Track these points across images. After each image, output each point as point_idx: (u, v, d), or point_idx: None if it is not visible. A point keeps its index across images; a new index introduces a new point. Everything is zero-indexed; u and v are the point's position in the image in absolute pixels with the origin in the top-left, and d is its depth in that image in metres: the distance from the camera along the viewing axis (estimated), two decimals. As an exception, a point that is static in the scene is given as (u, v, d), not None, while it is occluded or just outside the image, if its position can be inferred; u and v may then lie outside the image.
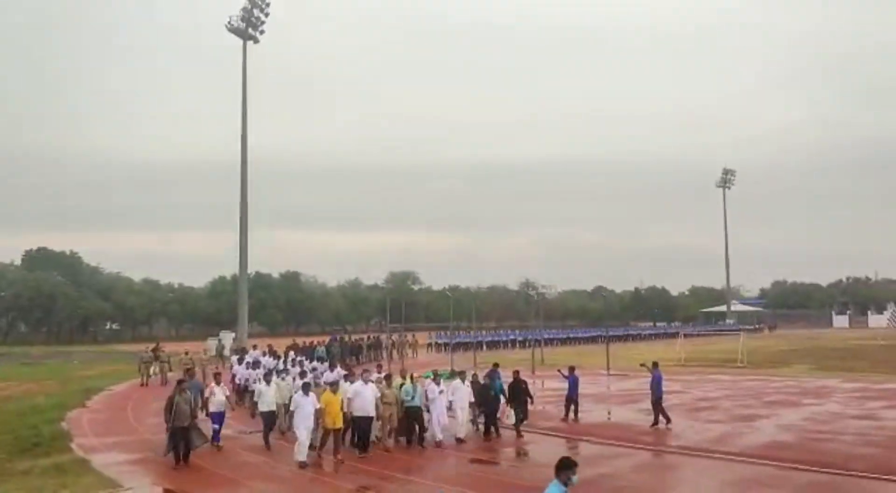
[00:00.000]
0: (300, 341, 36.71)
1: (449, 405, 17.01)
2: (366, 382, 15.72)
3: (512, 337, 60.48)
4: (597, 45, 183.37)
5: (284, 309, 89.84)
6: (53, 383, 32.08)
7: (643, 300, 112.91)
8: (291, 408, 14.78)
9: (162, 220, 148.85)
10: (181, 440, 14.18)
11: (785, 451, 15.51)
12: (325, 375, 20.82)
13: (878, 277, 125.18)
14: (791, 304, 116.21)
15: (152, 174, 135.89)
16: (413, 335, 50.74)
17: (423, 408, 16.47)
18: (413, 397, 16.19)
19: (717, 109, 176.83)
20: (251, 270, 71.84)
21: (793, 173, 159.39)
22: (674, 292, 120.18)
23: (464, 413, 17.12)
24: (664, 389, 19.34)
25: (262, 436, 16.42)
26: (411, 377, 16.98)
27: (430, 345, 53.01)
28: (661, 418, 18.72)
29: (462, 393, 17.15)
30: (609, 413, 21.62)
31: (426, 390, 16.71)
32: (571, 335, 65.87)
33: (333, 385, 15.54)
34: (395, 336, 46.16)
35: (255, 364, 23.30)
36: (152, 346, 34.96)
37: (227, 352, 41.54)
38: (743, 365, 37.31)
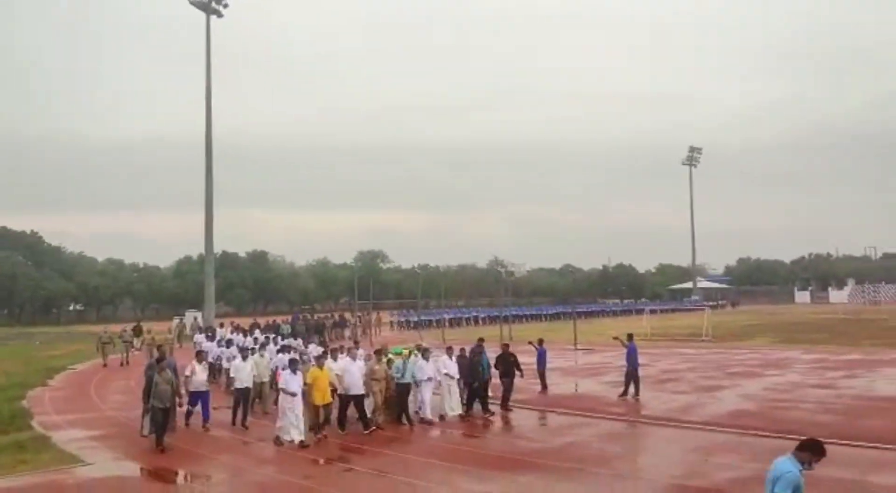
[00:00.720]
0: (262, 320, 36.43)
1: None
2: (354, 358, 15.39)
3: (477, 314, 60.77)
4: (569, 25, 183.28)
5: (252, 289, 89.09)
6: (15, 363, 31.50)
7: (611, 278, 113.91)
8: (280, 386, 14.17)
9: (125, 200, 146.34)
10: (162, 422, 13.41)
11: (747, 419, 15.80)
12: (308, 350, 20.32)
13: (839, 253, 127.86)
14: (755, 280, 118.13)
15: (115, 154, 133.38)
16: (377, 313, 50.65)
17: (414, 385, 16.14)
18: (403, 374, 15.87)
19: (686, 88, 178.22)
20: (218, 249, 71.01)
21: (758, 152, 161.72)
22: (641, 270, 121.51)
23: (453, 390, 16.78)
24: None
25: (231, 412, 15.98)
26: (408, 353, 16.66)
27: (392, 323, 52.33)
28: (630, 389, 18.92)
29: (451, 370, 16.81)
30: (576, 386, 21.84)
31: (415, 367, 16.22)
32: (539, 312, 66.33)
33: (319, 359, 15.11)
34: (359, 314, 45.96)
35: (228, 343, 22.97)
36: (132, 326, 34.23)
37: (188, 331, 41.06)
38: (707, 339, 37.91)
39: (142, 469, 12.65)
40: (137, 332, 32.87)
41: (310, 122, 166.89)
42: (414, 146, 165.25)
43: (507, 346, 18.22)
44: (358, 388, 14.92)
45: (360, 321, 44.87)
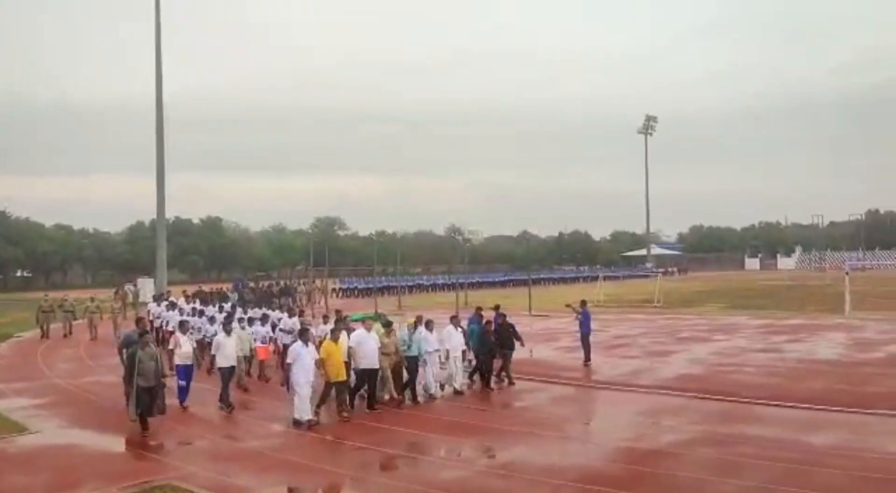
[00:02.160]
0: (207, 287, 35.91)
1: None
2: (368, 330, 14.16)
3: (434, 281, 60.94)
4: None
5: (206, 255, 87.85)
6: (-43, 331, 30.62)
7: (566, 245, 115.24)
8: (289, 360, 12.80)
9: (74, 163, 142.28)
10: (148, 403, 12.12)
11: (694, 383, 16.24)
12: (282, 321, 18.79)
13: (788, 221, 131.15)
14: (707, 248, 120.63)
15: (63, 116, 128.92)
16: (322, 281, 50.13)
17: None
18: (410, 346, 14.87)
19: (643, 55, 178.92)
20: (171, 215, 69.55)
21: (713, 120, 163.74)
22: (596, 237, 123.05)
23: (458, 363, 15.79)
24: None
25: (220, 395, 14.24)
26: (414, 324, 15.35)
27: (334, 290, 49.59)
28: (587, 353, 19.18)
29: (456, 341, 15.75)
30: (531, 351, 22.10)
31: (421, 339, 15.04)
32: (496, 279, 66.82)
33: (334, 333, 13.61)
34: (304, 281, 45.06)
35: (200, 313, 21.28)
36: (60, 296, 32.34)
37: (142, 298, 40.30)
38: (659, 305, 38.68)
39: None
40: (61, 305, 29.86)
41: (266, 84, 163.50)
42: (371, 110, 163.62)
43: (504, 315, 17.27)
44: (374, 362, 13.78)
45: (306, 289, 44.11)
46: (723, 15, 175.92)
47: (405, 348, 14.76)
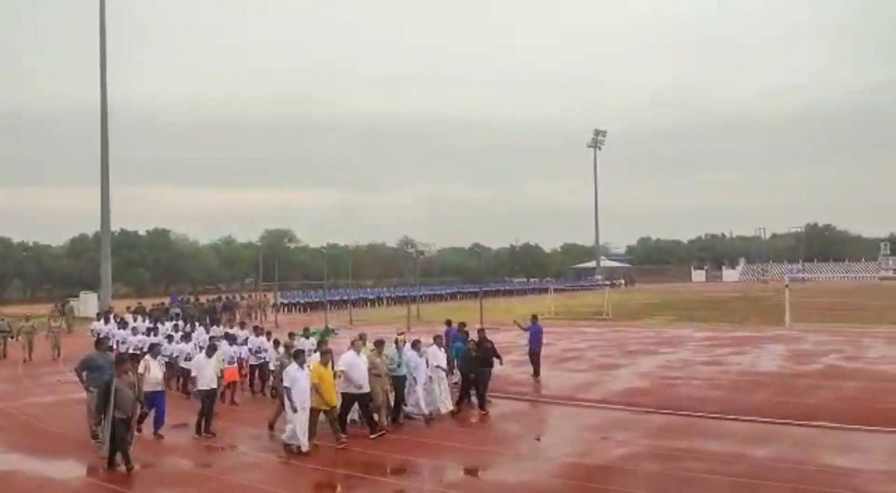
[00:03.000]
0: (147, 303, 35.13)
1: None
2: (358, 351, 13.38)
3: (379, 294, 60.85)
4: (481, 4, 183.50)
5: (153, 268, 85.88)
6: None
7: (518, 257, 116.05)
8: (286, 384, 12.00)
9: (13, 174, 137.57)
10: (125, 437, 11.08)
11: (641, 397, 16.49)
12: (248, 341, 17.92)
13: (733, 234, 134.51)
14: (654, 260, 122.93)
15: (1, 125, 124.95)
16: (264, 295, 49.21)
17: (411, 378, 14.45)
18: (399, 365, 14.21)
19: (591, 70, 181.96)
20: (116, 227, 67.86)
21: (659, 136, 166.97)
22: (547, 249, 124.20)
23: (444, 384, 15.10)
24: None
25: (196, 421, 13.43)
26: (395, 342, 14.83)
27: (274, 306, 46.31)
28: (533, 368, 19.34)
29: (440, 360, 15.08)
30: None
31: (408, 358, 14.48)
32: (447, 291, 66.95)
33: (324, 355, 12.66)
34: (246, 296, 43.89)
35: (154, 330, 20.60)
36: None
37: (83, 314, 39.11)
38: (608, 318, 39.21)
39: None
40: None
41: (214, 95, 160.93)
42: (323, 122, 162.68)
43: (482, 331, 16.74)
44: (365, 385, 12.95)
45: (247, 304, 43.10)
46: (664, 35, 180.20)
47: (394, 366, 14.11)
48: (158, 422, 13.38)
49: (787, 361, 21.79)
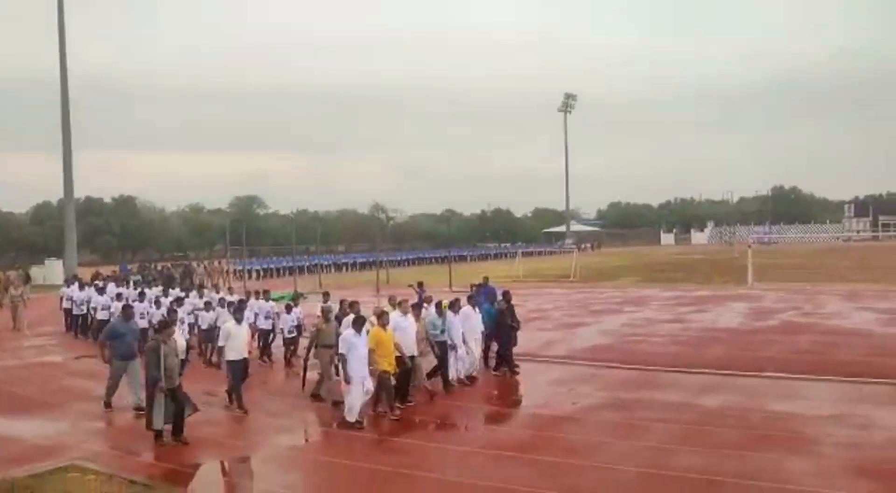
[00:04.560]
0: (105, 270, 34.74)
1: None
2: (405, 313, 12.63)
3: (350, 260, 61.13)
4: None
5: (119, 236, 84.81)
6: None
7: (489, 222, 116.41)
8: (342, 350, 11.11)
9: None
10: (174, 407, 10.31)
11: (603, 353, 16.92)
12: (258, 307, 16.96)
13: (702, 197, 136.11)
14: (625, 224, 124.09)
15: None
16: (219, 262, 48.41)
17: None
18: (443, 331, 13.39)
19: (565, 34, 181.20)
20: (81, 194, 66.82)
21: (631, 101, 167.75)
22: (518, 214, 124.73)
23: (477, 346, 14.33)
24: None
25: (228, 395, 12.26)
26: (438, 305, 13.90)
27: (227, 272, 44.70)
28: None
29: (474, 322, 14.26)
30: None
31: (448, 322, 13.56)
32: (418, 256, 67.25)
33: (381, 318, 11.73)
34: (205, 263, 43.32)
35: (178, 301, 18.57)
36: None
37: (47, 281, 38.60)
38: (575, 280, 39.72)
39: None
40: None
41: (182, 59, 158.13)
42: (292, 87, 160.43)
43: (508, 293, 16.03)
44: (412, 350, 12.29)
45: (207, 270, 42.67)
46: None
47: (437, 332, 13.30)
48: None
49: (746, 318, 22.37)
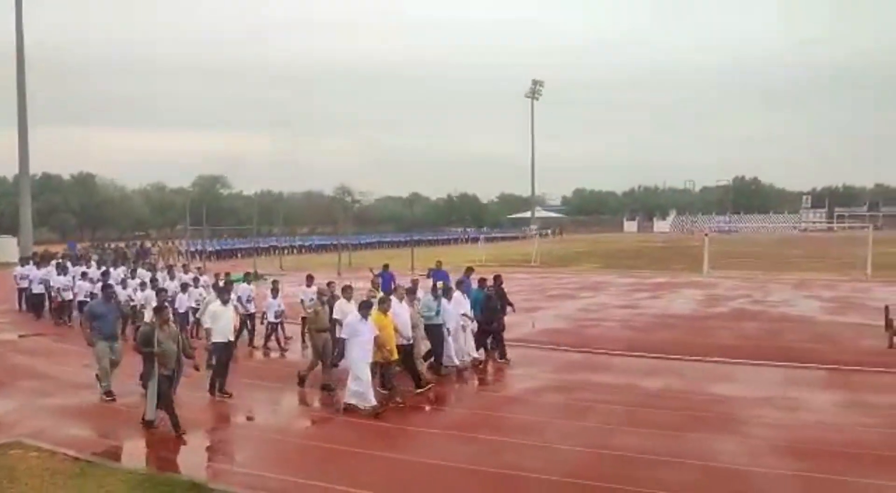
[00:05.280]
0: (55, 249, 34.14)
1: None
2: (400, 299, 12.37)
3: (311, 242, 61.08)
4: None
5: (78, 214, 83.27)
6: None
7: (455, 207, 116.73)
8: (345, 335, 10.82)
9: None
10: (167, 394, 9.83)
11: (556, 336, 17.24)
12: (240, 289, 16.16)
13: (666, 185, 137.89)
14: (589, 211, 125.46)
15: None
16: (173, 242, 47.75)
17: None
18: (438, 313, 13.06)
19: (534, 21, 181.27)
20: (38, 171, 65.40)
21: (597, 88, 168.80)
22: (484, 199, 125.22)
23: (468, 333, 13.96)
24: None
25: (209, 378, 11.70)
26: (434, 289, 13.70)
27: (181, 253, 44.61)
28: None
29: (466, 307, 13.92)
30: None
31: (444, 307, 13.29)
32: (382, 240, 67.22)
33: (382, 303, 11.47)
34: (159, 243, 42.77)
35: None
36: None
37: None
38: (536, 265, 40.15)
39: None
40: None
41: (146, 36, 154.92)
42: (257, 66, 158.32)
43: (499, 277, 15.61)
44: (409, 335, 12.03)
45: (161, 250, 42.11)
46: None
47: (431, 314, 12.98)
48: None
49: (699, 304, 22.94)
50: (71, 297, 19.91)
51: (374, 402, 10.47)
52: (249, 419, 10.89)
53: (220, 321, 11.68)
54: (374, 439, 9.58)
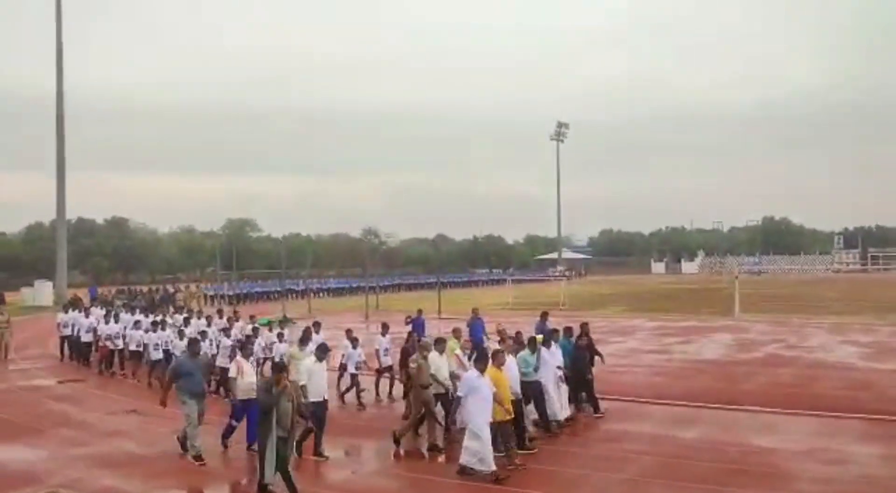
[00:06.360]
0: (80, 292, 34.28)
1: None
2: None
3: (341, 284, 60.84)
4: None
5: (111, 257, 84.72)
6: None
7: (481, 247, 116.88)
8: (461, 392, 10.03)
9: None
10: (285, 457, 9.22)
11: (586, 383, 16.96)
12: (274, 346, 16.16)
13: (693, 226, 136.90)
14: (616, 251, 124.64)
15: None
16: (191, 286, 47.92)
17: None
18: (536, 369, 12.09)
19: (560, 62, 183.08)
20: (73, 215, 66.92)
21: (619, 128, 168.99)
22: (510, 240, 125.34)
23: (563, 386, 12.98)
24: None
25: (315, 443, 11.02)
26: (531, 341, 12.49)
27: (205, 297, 44.68)
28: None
29: (559, 359, 12.93)
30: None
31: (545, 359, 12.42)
32: (409, 281, 67.33)
33: (497, 356, 10.63)
34: (181, 287, 42.67)
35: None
36: None
37: (36, 302, 38.29)
38: (564, 308, 39.85)
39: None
40: None
41: (175, 81, 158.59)
42: (284, 110, 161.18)
43: (586, 325, 14.73)
44: (516, 392, 11.22)
45: (182, 296, 41.79)
46: (620, 28, 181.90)
47: (530, 370, 11.95)
48: (252, 435, 10.66)
49: (730, 349, 22.56)
50: (121, 346, 19.21)
51: (493, 466, 9.75)
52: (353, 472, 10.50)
53: (316, 379, 11.07)
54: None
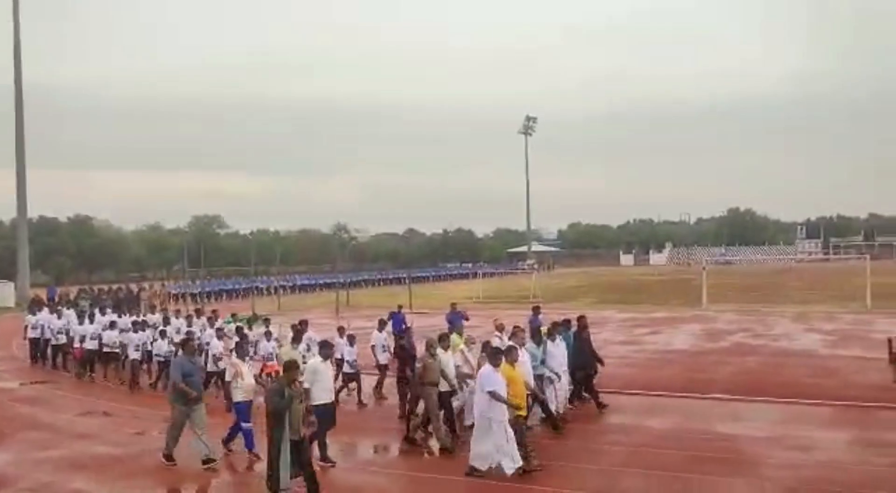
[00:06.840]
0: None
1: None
2: (521, 344, 11.23)
3: (310, 281, 60.43)
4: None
5: (75, 256, 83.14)
6: None
7: (451, 242, 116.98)
8: (487, 389, 9.60)
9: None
10: (305, 460, 8.86)
11: (556, 375, 17.10)
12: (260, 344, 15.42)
13: (661, 219, 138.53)
14: (585, 244, 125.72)
15: None
16: (156, 285, 47.28)
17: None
18: (543, 362, 11.98)
19: (528, 58, 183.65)
20: (34, 214, 65.55)
21: (590, 123, 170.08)
22: (479, 234, 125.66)
23: (563, 383, 12.65)
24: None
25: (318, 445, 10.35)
26: (538, 333, 12.50)
27: (170, 295, 43.32)
28: None
29: (560, 352, 12.70)
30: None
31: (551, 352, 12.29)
32: (378, 277, 67.11)
33: (509, 353, 10.19)
34: (144, 286, 41.84)
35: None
36: None
37: None
38: (537, 301, 40.03)
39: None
40: None
41: (139, 76, 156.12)
42: (254, 106, 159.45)
43: (584, 318, 14.24)
44: (531, 387, 10.89)
45: (147, 295, 40.84)
46: (594, 22, 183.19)
47: (536, 363, 11.72)
48: (250, 443, 10.77)
49: (699, 339, 22.93)
50: (97, 347, 18.31)
51: (514, 463, 9.44)
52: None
53: (322, 379, 10.47)
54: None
